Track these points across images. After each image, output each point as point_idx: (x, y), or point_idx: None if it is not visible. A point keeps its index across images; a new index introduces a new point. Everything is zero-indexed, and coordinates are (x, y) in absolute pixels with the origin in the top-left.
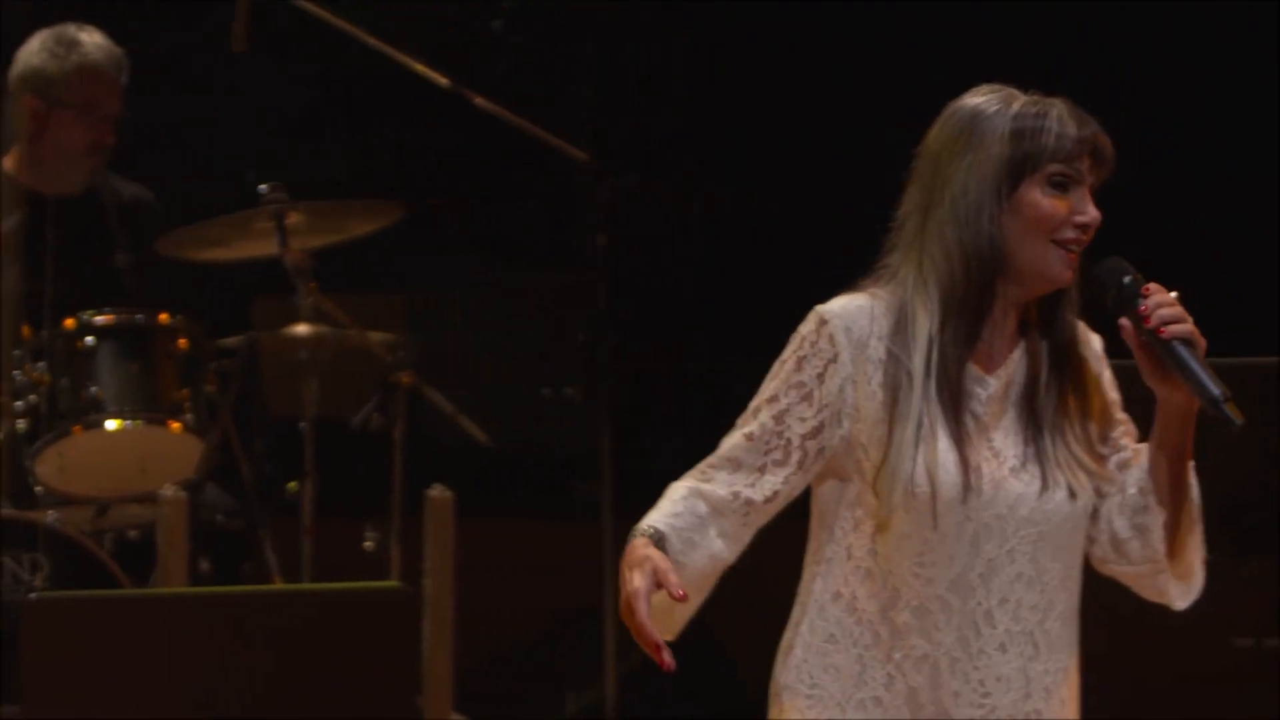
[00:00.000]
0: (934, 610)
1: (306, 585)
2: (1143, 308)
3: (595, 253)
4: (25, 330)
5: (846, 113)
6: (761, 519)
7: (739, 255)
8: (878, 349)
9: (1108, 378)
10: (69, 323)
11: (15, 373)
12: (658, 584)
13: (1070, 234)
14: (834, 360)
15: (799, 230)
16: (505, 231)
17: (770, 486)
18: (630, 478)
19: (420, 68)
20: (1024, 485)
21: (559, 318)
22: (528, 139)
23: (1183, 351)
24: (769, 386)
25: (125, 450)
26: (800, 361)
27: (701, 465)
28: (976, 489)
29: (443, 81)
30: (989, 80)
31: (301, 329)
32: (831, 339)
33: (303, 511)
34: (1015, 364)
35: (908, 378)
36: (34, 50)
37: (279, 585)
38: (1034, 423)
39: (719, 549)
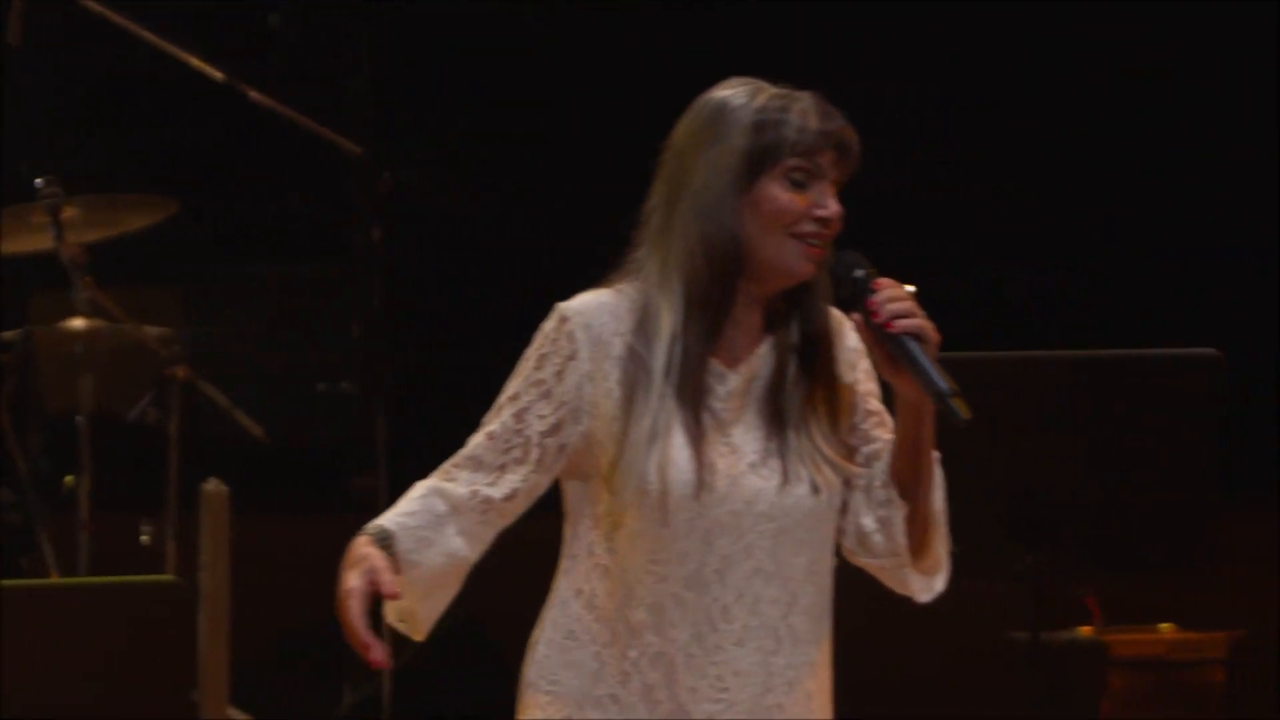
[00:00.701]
0: (668, 607)
1: (83, 579)
2: (872, 302)
3: (371, 247)
4: None
5: (619, 111)
6: (503, 518)
7: (513, 249)
8: (618, 346)
9: (864, 368)
10: None
11: None
12: (373, 583)
13: (809, 228)
14: (573, 357)
15: (573, 224)
16: (281, 226)
17: (509, 485)
18: (407, 471)
19: (196, 62)
20: (763, 480)
21: (334, 312)
22: (304, 133)
23: (911, 346)
24: (511, 384)
25: None
26: (541, 359)
27: (446, 464)
28: (709, 486)
29: (218, 75)
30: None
31: (77, 323)
32: (571, 336)
33: (80, 506)
34: (760, 359)
35: (646, 374)
36: None
37: (56, 579)
38: (777, 418)
39: (457, 547)
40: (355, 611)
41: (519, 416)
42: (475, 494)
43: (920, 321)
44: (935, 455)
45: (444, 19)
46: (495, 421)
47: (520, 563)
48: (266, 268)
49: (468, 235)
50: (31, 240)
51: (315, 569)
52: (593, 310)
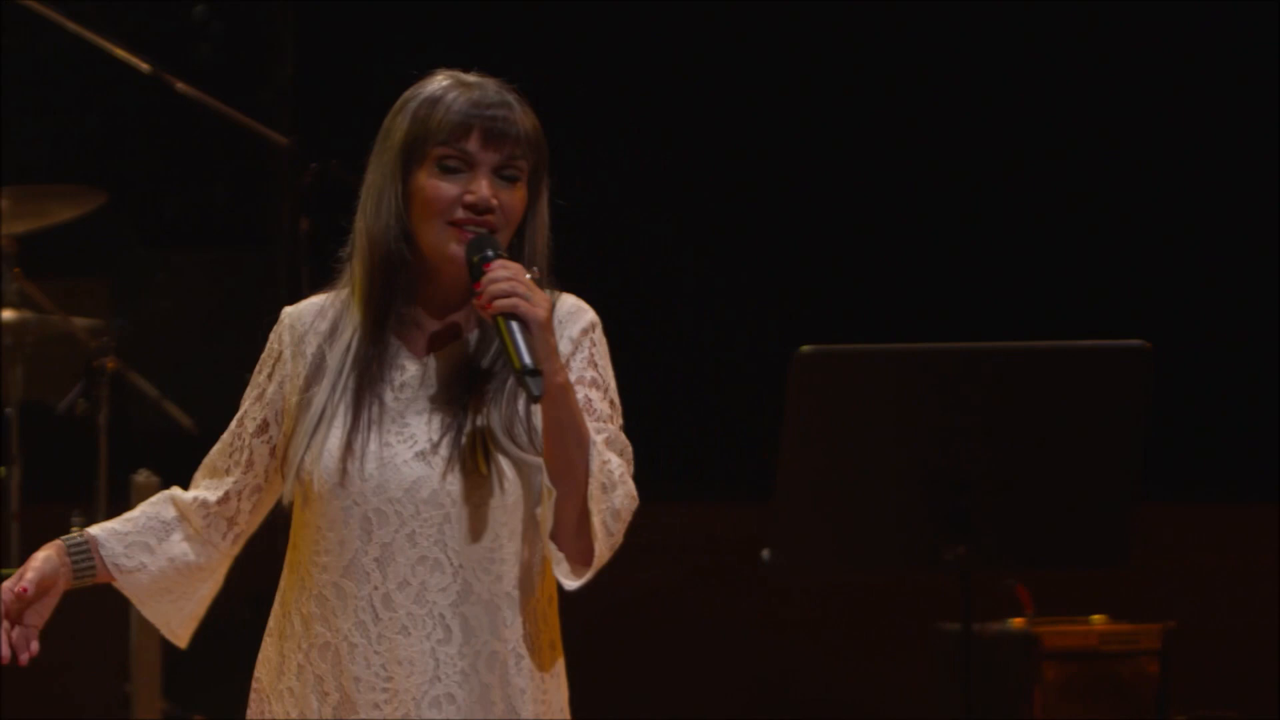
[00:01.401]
0: (330, 597)
1: (14, 570)
2: (477, 284)
3: (298, 237)
4: None
5: (557, 101)
6: (230, 523)
7: None
8: (312, 345)
9: (581, 358)
10: None
11: None
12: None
13: (461, 214)
14: (278, 359)
15: None
16: (207, 216)
17: (224, 487)
18: None
19: (121, 53)
20: (428, 468)
21: (262, 301)
22: (229, 124)
23: (505, 324)
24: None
25: None
26: (260, 362)
27: (198, 472)
28: (357, 474)
29: (144, 67)
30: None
31: (5, 314)
32: (280, 338)
33: (10, 496)
34: (458, 346)
35: (324, 371)
36: None
37: None
38: (455, 405)
39: (181, 552)
40: None
41: (240, 420)
42: (197, 498)
43: (514, 301)
44: (593, 441)
45: (367, 6)
46: (227, 431)
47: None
48: (194, 258)
49: None
50: None
51: (241, 558)
52: (302, 311)
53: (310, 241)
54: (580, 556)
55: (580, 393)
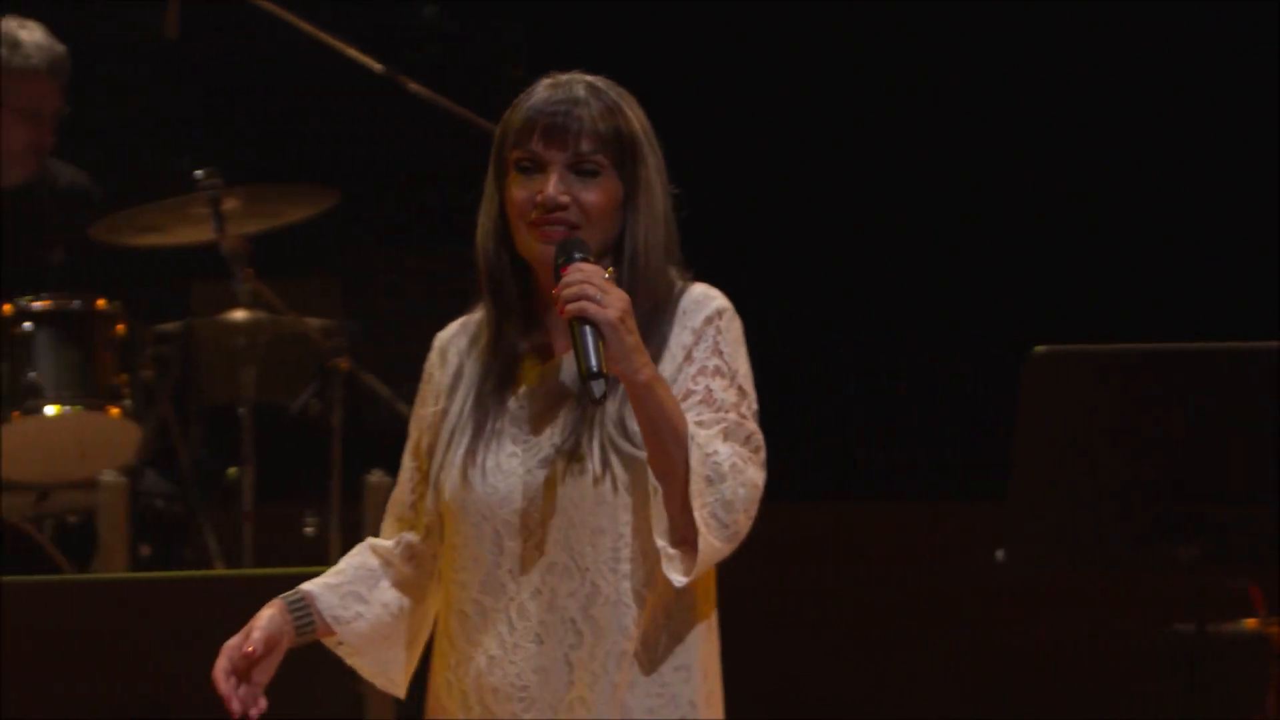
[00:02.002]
0: (470, 614)
1: (247, 570)
2: (554, 290)
3: None
4: None
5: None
6: (432, 558)
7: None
8: (454, 359)
9: (705, 347)
10: (6, 308)
11: None
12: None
13: (534, 214)
14: (429, 381)
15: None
16: (438, 216)
17: (424, 523)
18: None
19: (353, 53)
20: (549, 475)
21: None
22: (461, 124)
23: (578, 329)
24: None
25: (64, 436)
26: (420, 391)
27: (385, 516)
28: (481, 487)
29: (376, 67)
30: None
31: (239, 314)
32: (430, 361)
33: (243, 497)
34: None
35: (460, 385)
36: None
37: (220, 570)
38: (577, 409)
39: (393, 598)
40: (218, 666)
41: (413, 452)
42: (399, 542)
43: (581, 305)
44: (692, 436)
45: (597, 7)
46: (406, 456)
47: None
48: (426, 258)
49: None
50: (192, 232)
51: None
52: (451, 333)
53: None
54: (687, 551)
55: (701, 383)
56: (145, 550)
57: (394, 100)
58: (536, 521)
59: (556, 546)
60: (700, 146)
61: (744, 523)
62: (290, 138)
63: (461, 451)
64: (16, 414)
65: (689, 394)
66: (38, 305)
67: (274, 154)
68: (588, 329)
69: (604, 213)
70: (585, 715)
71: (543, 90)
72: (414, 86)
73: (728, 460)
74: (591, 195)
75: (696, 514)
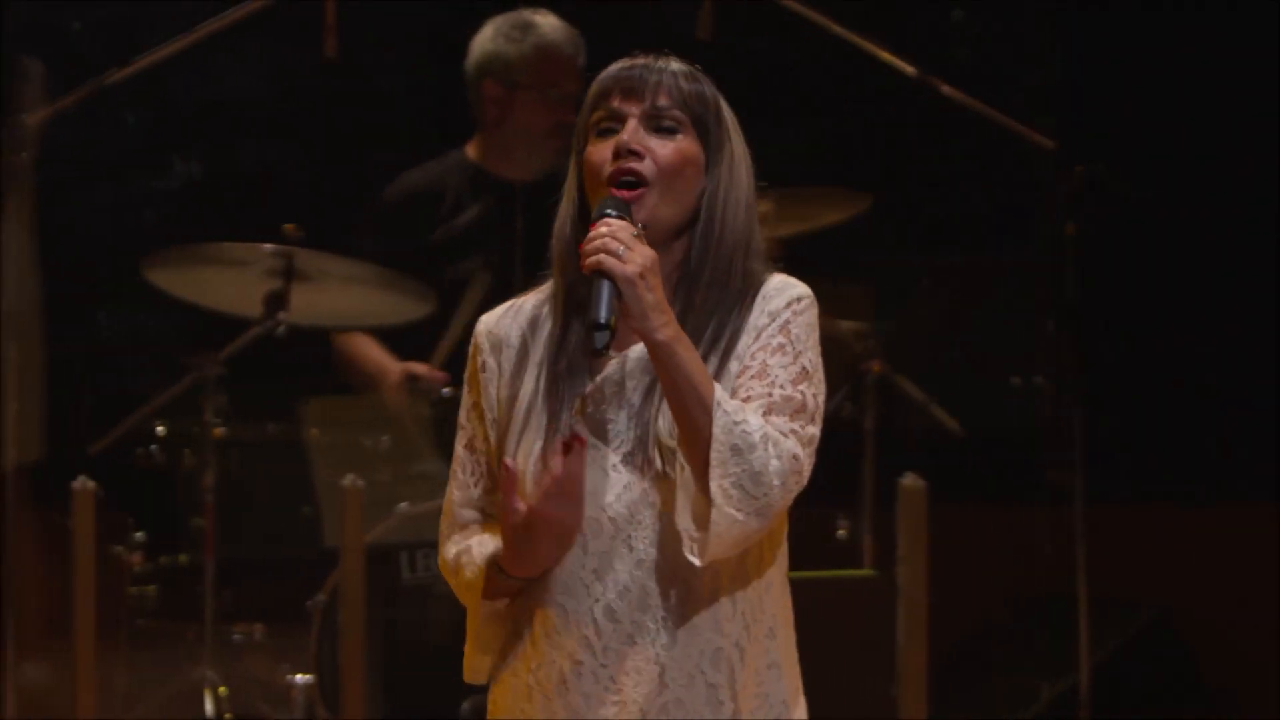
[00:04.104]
0: (552, 616)
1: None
2: (580, 245)
3: (1062, 241)
4: None
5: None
6: None
7: (1206, 244)
8: (513, 337)
9: (775, 327)
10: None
11: None
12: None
13: (609, 169)
14: (483, 369)
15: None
16: (969, 220)
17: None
18: (1102, 464)
19: (886, 55)
20: (635, 468)
21: (1023, 305)
22: (992, 127)
23: (596, 282)
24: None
25: None
26: (467, 382)
27: (442, 528)
28: None
29: (909, 70)
30: None
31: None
32: (478, 348)
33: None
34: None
35: (527, 365)
36: (490, 35)
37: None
38: (648, 400)
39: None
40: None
41: (469, 446)
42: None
43: (599, 258)
44: (718, 403)
45: (1132, 7)
46: (455, 465)
47: (1212, 560)
48: (958, 262)
49: (1158, 229)
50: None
51: (1010, 562)
52: (495, 316)
53: (1075, 246)
54: (703, 527)
55: (759, 358)
56: None
57: (926, 103)
58: (624, 518)
59: (646, 543)
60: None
61: (778, 496)
62: (824, 141)
63: (539, 446)
64: None
65: (745, 369)
66: None
67: (806, 157)
68: (605, 283)
69: (677, 170)
70: (682, 716)
71: (620, 61)
72: (946, 89)
73: (758, 430)
74: (666, 150)
75: (714, 484)
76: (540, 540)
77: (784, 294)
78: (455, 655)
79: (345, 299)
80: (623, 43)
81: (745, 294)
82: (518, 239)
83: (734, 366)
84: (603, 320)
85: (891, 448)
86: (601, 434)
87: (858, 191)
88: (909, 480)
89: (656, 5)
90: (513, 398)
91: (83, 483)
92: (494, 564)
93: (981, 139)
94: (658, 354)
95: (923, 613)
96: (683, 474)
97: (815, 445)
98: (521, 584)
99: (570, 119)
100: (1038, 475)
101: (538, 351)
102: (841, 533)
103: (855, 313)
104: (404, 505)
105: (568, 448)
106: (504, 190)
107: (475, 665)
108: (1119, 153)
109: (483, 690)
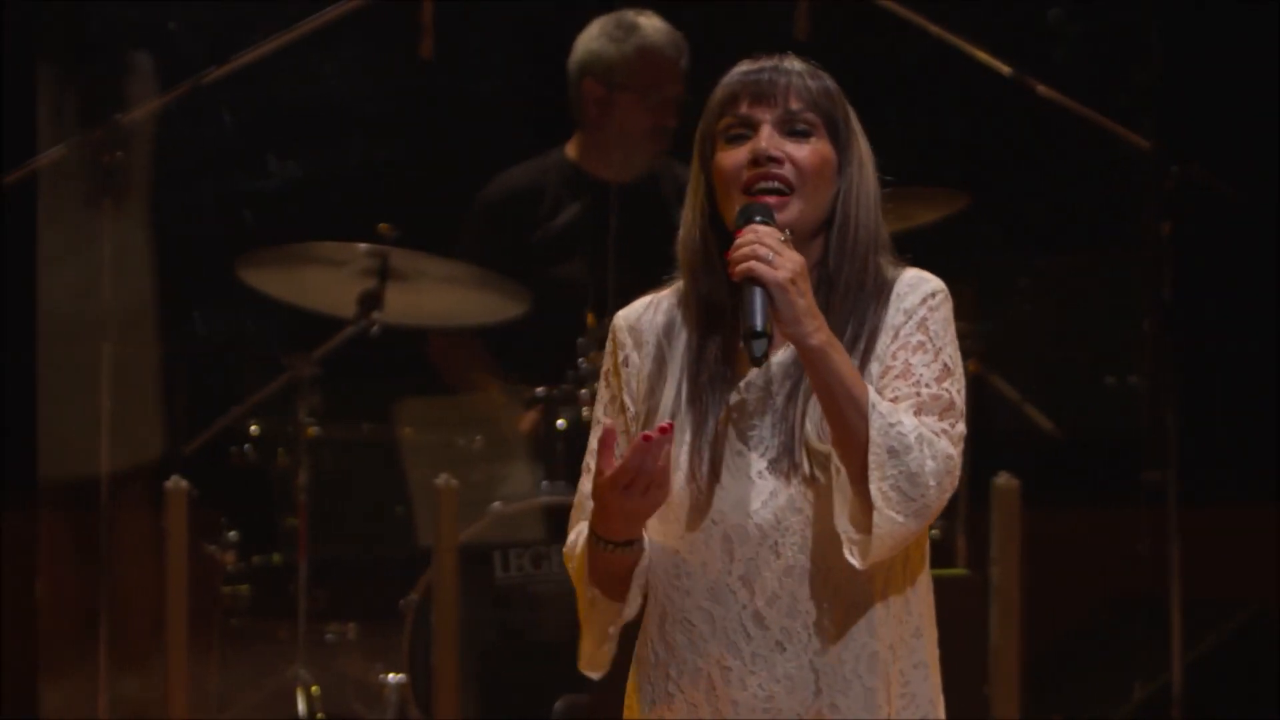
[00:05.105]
0: (697, 623)
1: None
2: (727, 254)
3: (1159, 241)
4: (590, 318)
5: None
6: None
7: None
8: (652, 340)
9: (912, 324)
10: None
11: (580, 360)
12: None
13: (747, 174)
14: (626, 363)
15: None
16: (1068, 219)
17: None
18: (1197, 466)
19: (982, 55)
20: (781, 474)
21: (1119, 305)
22: (1089, 127)
23: (748, 289)
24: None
25: None
26: (605, 376)
27: (572, 518)
28: (711, 488)
29: (1005, 70)
30: None
31: None
32: (619, 343)
33: None
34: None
35: (665, 373)
36: (593, 35)
37: None
38: (792, 405)
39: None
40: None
41: (618, 433)
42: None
43: (749, 265)
44: (873, 405)
45: (1233, 6)
46: (588, 457)
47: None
48: (1054, 261)
49: (1255, 229)
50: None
51: (1106, 562)
52: (635, 310)
53: (1172, 246)
54: (862, 528)
55: (901, 357)
56: None
57: (1025, 102)
58: (771, 524)
59: (794, 549)
60: None
61: (935, 496)
62: (921, 140)
63: (686, 450)
64: None
65: (888, 370)
66: None
67: (905, 156)
68: (757, 290)
69: (818, 173)
70: (837, 719)
71: (742, 65)
72: (1043, 89)
73: (914, 431)
74: (804, 153)
75: (873, 486)
76: (623, 504)
77: (918, 290)
78: (548, 655)
79: (440, 299)
80: (727, 46)
81: (880, 292)
82: (611, 240)
83: (875, 367)
84: (759, 328)
85: (986, 448)
86: (746, 441)
87: (955, 191)
88: (1002, 479)
89: (755, 6)
90: (652, 409)
91: (175, 482)
92: (594, 533)
93: (1079, 138)
94: (811, 359)
95: (1015, 612)
96: (838, 477)
97: (963, 444)
98: (619, 553)
99: (669, 122)
100: (1133, 475)
101: (674, 361)
102: (935, 532)
103: (956, 312)
104: (497, 505)
105: (648, 439)
106: (600, 191)
107: (590, 656)
108: (1218, 153)
109: (576, 689)
